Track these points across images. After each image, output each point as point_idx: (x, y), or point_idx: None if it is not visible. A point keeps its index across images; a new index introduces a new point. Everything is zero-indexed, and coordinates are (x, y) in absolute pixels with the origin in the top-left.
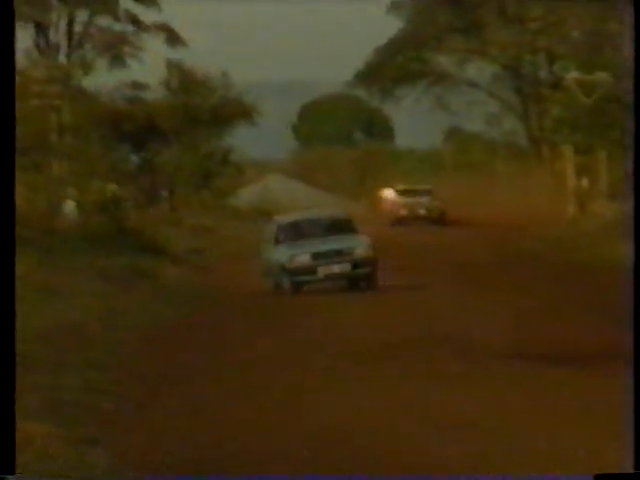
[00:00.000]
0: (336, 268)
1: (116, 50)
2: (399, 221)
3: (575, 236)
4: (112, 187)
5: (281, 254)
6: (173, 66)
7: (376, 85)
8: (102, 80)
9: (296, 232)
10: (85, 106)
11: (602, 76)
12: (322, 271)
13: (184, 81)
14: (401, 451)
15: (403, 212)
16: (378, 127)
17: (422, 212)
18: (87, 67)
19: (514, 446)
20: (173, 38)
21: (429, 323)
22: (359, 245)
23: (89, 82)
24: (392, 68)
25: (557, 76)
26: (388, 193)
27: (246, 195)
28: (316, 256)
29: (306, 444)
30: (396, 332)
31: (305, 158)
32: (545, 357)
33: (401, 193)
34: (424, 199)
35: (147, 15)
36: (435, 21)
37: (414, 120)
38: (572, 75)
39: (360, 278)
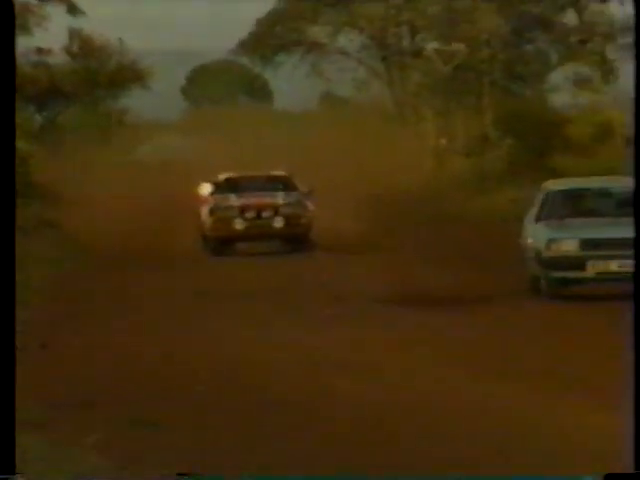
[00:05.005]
0: (614, 265)
1: (22, 19)
2: (225, 242)
3: (438, 188)
4: (18, 145)
5: (538, 236)
6: (74, 33)
7: (258, 53)
8: None
9: (569, 206)
10: None
11: (458, 47)
12: (593, 267)
13: (83, 47)
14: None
15: (238, 226)
16: (259, 91)
17: (278, 225)
18: None
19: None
20: (73, 8)
21: None
22: None
23: None
24: (272, 37)
25: (418, 46)
26: (206, 188)
27: (144, 152)
28: (588, 244)
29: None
30: None
31: (194, 118)
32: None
33: (228, 187)
34: (277, 196)
35: None
36: None
37: (291, 85)
38: (431, 45)
39: None
